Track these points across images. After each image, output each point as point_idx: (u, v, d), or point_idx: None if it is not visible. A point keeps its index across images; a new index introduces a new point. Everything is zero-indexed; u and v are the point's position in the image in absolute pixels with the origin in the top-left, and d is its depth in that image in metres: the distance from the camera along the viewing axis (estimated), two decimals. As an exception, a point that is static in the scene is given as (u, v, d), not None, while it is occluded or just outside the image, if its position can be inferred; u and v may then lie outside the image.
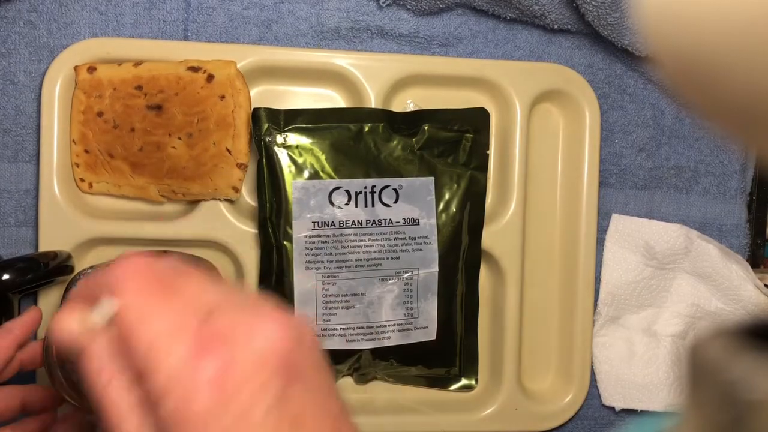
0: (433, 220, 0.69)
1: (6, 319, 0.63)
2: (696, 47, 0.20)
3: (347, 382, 0.71)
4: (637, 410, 0.75)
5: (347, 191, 0.67)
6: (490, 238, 0.71)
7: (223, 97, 0.64)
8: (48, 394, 0.58)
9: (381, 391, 0.72)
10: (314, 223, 0.66)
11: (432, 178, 0.69)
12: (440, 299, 0.70)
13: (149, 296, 0.37)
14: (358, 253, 0.67)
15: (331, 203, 0.67)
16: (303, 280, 0.67)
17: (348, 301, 0.68)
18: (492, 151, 0.72)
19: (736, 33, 0.19)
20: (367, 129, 0.68)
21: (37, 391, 0.58)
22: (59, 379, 0.56)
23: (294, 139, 0.67)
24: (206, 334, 0.36)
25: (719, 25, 0.19)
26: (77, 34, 0.67)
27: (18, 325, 0.57)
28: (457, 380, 0.73)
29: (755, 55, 0.19)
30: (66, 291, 0.60)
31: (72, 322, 0.39)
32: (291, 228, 0.66)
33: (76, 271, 0.64)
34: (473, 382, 0.73)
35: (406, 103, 0.71)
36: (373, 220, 0.67)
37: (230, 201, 0.68)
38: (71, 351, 0.39)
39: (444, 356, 0.72)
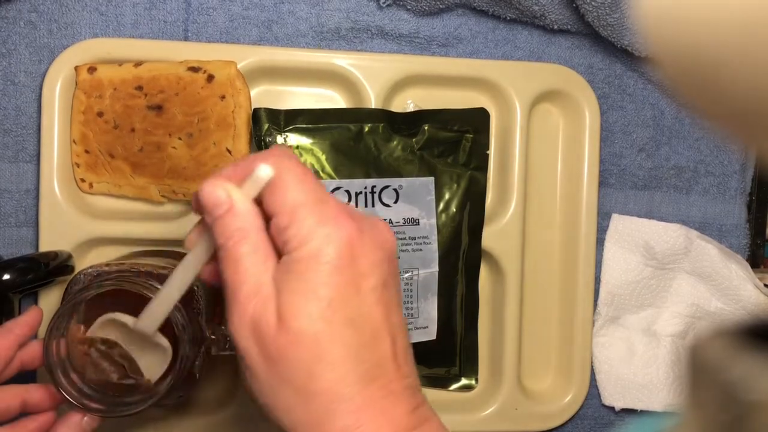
0: (433, 220, 0.69)
1: (6, 319, 0.63)
2: (695, 47, 0.20)
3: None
4: (637, 410, 0.75)
5: (347, 191, 0.67)
6: (490, 238, 0.71)
7: (223, 97, 0.65)
8: (48, 394, 0.58)
9: (381, 391, 0.72)
10: (314, 223, 0.66)
11: (432, 179, 0.69)
12: (440, 299, 0.70)
13: (302, 170, 0.46)
14: (358, 253, 0.67)
15: (332, 203, 0.67)
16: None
17: (348, 301, 0.68)
18: (492, 152, 0.72)
19: (735, 33, 0.19)
20: (367, 129, 0.68)
21: (38, 390, 0.58)
22: (59, 378, 0.56)
23: (294, 139, 0.67)
24: (342, 210, 0.45)
25: (719, 25, 0.19)
26: (78, 34, 0.67)
27: (18, 325, 0.57)
28: (457, 380, 0.73)
29: (755, 54, 0.19)
30: (66, 291, 0.60)
31: (218, 187, 0.46)
32: (291, 228, 0.66)
33: (77, 271, 0.64)
34: (473, 381, 0.73)
35: (406, 103, 0.71)
36: (373, 220, 0.67)
37: (230, 201, 0.67)
38: (213, 209, 0.46)
39: (444, 356, 0.72)
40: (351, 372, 0.44)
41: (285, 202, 0.45)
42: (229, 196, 0.46)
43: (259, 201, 0.47)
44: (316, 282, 0.44)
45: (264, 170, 0.46)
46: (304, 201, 0.45)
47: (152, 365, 0.57)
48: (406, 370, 0.47)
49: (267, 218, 0.47)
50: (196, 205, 0.49)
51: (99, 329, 0.56)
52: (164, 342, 0.56)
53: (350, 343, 0.44)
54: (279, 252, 0.46)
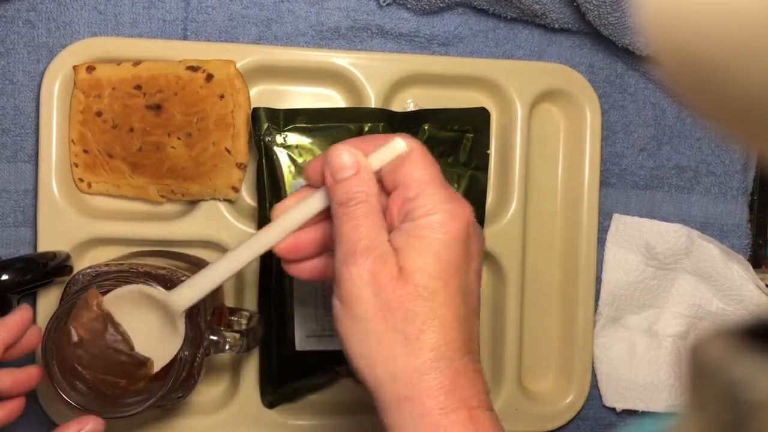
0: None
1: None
2: (696, 46, 0.20)
3: (348, 382, 0.71)
4: (638, 411, 0.75)
5: (347, 191, 0.67)
6: (490, 238, 0.71)
7: (222, 96, 0.64)
8: (15, 381, 0.57)
9: (381, 391, 0.72)
10: (314, 223, 0.66)
11: (432, 178, 0.69)
12: (440, 299, 0.70)
13: (429, 154, 0.50)
14: (358, 253, 0.67)
15: (331, 203, 0.67)
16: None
17: (348, 302, 0.67)
18: (492, 151, 0.72)
19: (737, 32, 0.19)
20: (367, 129, 0.68)
21: (6, 375, 0.57)
22: (59, 379, 0.55)
23: (294, 138, 0.67)
24: (460, 196, 0.50)
25: (720, 24, 0.19)
26: (76, 33, 0.67)
27: (4, 328, 0.56)
28: (458, 381, 0.73)
29: (756, 54, 0.19)
30: (65, 291, 0.60)
31: (346, 151, 0.49)
32: (291, 228, 0.66)
33: (75, 271, 0.64)
34: (474, 382, 0.73)
35: (407, 102, 0.71)
36: (373, 220, 0.67)
37: (230, 201, 0.67)
38: (338, 171, 0.49)
39: (444, 357, 0.72)
40: (457, 338, 0.47)
41: (414, 176, 0.49)
42: (357, 162, 0.49)
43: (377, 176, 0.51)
44: (439, 247, 0.47)
45: (400, 143, 0.50)
46: (432, 179, 0.49)
47: (159, 351, 0.56)
48: (480, 356, 0.51)
49: (386, 191, 0.51)
50: (313, 170, 0.52)
51: (112, 304, 0.56)
52: (182, 327, 0.55)
53: (459, 310, 0.48)
54: (393, 222, 0.49)
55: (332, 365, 0.69)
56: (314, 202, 0.52)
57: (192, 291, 0.54)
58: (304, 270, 0.54)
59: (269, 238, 0.52)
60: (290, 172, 0.66)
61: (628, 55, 0.74)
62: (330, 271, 0.52)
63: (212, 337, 0.59)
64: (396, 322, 0.46)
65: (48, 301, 0.66)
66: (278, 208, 0.53)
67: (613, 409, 0.75)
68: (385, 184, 0.51)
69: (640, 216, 0.75)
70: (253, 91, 0.68)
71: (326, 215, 0.52)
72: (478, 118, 0.71)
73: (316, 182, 0.52)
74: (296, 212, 0.52)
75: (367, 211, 0.48)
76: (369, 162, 0.50)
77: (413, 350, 0.46)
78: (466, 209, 0.49)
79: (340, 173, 0.49)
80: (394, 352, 0.46)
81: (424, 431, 0.45)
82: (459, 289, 0.48)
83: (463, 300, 0.48)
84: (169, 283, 0.57)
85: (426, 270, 0.47)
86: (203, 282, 0.54)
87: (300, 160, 0.66)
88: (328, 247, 0.53)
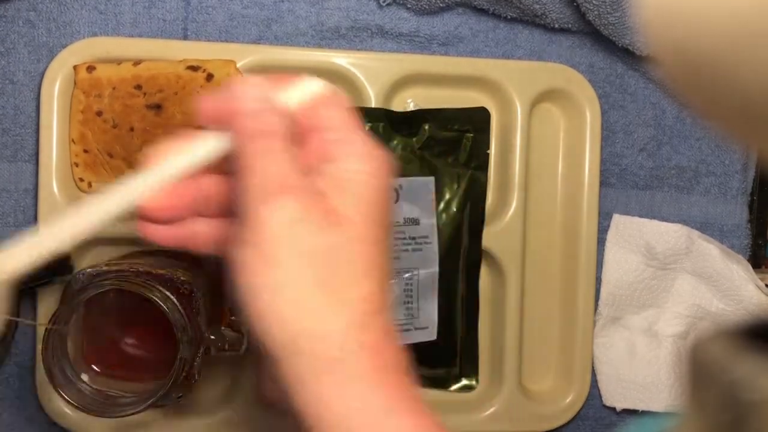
0: (434, 220, 0.69)
1: (5, 320, 0.63)
2: (697, 46, 0.20)
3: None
4: (638, 411, 0.75)
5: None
6: (490, 238, 0.71)
7: (222, 96, 0.64)
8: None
9: (381, 391, 0.72)
10: (314, 222, 0.66)
11: (432, 178, 0.69)
12: (441, 299, 0.70)
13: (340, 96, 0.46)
14: (358, 253, 0.67)
15: (331, 203, 0.66)
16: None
17: (348, 301, 0.67)
18: (492, 151, 0.72)
19: (737, 32, 0.19)
20: (367, 128, 0.68)
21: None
22: (58, 379, 0.55)
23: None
24: (375, 142, 0.44)
25: (720, 24, 0.19)
26: (76, 33, 0.67)
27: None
28: (458, 380, 0.73)
29: (756, 53, 0.19)
30: (65, 290, 0.60)
31: (253, 85, 0.43)
32: (291, 228, 0.66)
33: (76, 270, 0.64)
34: (474, 382, 0.73)
35: (407, 102, 0.71)
36: (373, 220, 0.67)
37: (230, 201, 0.67)
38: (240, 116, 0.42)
39: (444, 356, 0.72)
40: (386, 291, 0.43)
41: (337, 118, 0.44)
42: (267, 96, 0.43)
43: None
44: (374, 193, 0.43)
45: (315, 83, 0.45)
46: (357, 124, 0.44)
47: None
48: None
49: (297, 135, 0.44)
50: (212, 107, 0.44)
51: None
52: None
53: (386, 264, 0.43)
54: (308, 165, 0.43)
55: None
56: (207, 145, 0.43)
57: (18, 257, 0.44)
58: (165, 234, 0.46)
59: (137, 186, 0.43)
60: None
61: (628, 55, 0.73)
62: (202, 240, 0.46)
63: (212, 337, 0.59)
64: (324, 273, 0.41)
65: (48, 300, 0.66)
66: (158, 151, 0.44)
67: (613, 409, 0.75)
68: (296, 127, 0.44)
69: (640, 216, 0.75)
70: (254, 91, 0.68)
71: (211, 170, 0.45)
72: (478, 118, 0.71)
73: (212, 121, 0.44)
74: (180, 157, 0.43)
75: (283, 146, 0.42)
76: (281, 98, 0.44)
77: (344, 304, 0.41)
78: (389, 161, 0.44)
79: (251, 104, 0.43)
80: (318, 307, 0.40)
81: (355, 397, 0.40)
82: (386, 242, 0.43)
83: (387, 256, 0.43)
84: (169, 282, 0.57)
85: (366, 215, 0.42)
86: (36, 247, 0.44)
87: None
88: (201, 210, 0.46)
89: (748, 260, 0.76)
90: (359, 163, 0.43)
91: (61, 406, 0.65)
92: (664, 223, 0.75)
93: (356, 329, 0.41)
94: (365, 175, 0.43)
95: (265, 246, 0.40)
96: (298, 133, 0.44)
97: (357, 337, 0.40)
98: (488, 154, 0.71)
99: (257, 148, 0.42)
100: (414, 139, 0.69)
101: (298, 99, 0.44)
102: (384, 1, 0.70)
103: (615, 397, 0.75)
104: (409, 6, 0.71)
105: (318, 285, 0.41)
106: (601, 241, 0.74)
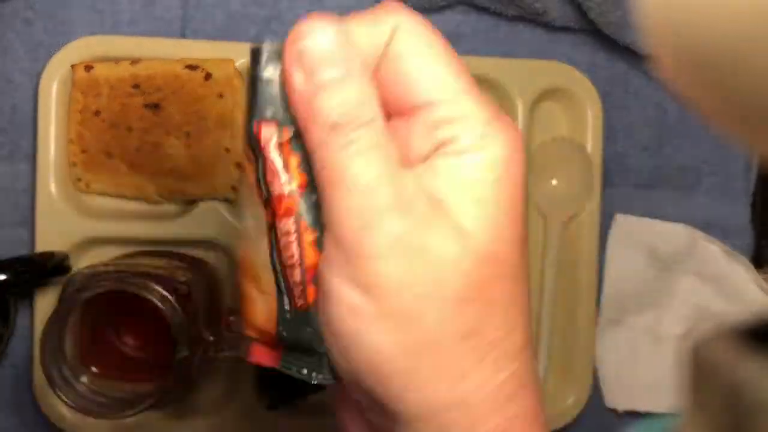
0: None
1: (2, 321, 0.63)
2: (699, 45, 0.20)
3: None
4: (640, 412, 0.75)
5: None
6: (491, 238, 0.71)
7: (221, 95, 0.64)
8: None
9: (381, 392, 0.72)
10: (314, 223, 0.66)
11: (433, 178, 0.69)
12: (441, 300, 0.69)
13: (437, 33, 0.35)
14: (358, 253, 0.67)
15: (331, 203, 0.66)
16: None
17: (348, 302, 0.67)
18: (493, 151, 0.72)
19: (742, 30, 0.18)
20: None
21: None
22: (56, 381, 0.55)
23: (293, 138, 0.66)
24: (486, 100, 0.35)
25: (724, 23, 0.19)
26: (74, 32, 0.67)
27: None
28: (459, 382, 0.73)
29: (762, 53, 0.18)
30: (63, 292, 0.60)
31: (329, 31, 0.33)
32: (290, 228, 0.66)
33: (73, 271, 0.64)
34: (475, 383, 0.73)
35: (407, 101, 0.70)
36: (373, 220, 0.67)
37: (229, 201, 0.67)
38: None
39: (445, 357, 0.72)
40: (530, 333, 0.36)
41: (432, 79, 0.33)
42: (349, 50, 0.32)
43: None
44: (503, 196, 0.32)
45: (389, 16, 0.33)
46: (460, 78, 0.34)
47: None
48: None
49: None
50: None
51: None
52: None
53: (528, 300, 0.35)
54: (406, 157, 0.33)
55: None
56: None
57: None
58: None
59: None
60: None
61: (630, 53, 0.73)
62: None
63: (211, 338, 0.59)
64: (466, 320, 0.31)
65: (46, 301, 0.66)
66: None
67: (615, 411, 0.75)
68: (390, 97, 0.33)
69: (643, 216, 0.75)
70: (253, 90, 0.68)
71: None
72: (479, 118, 0.70)
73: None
74: None
75: (379, 140, 0.31)
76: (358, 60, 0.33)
77: (490, 360, 0.32)
78: (513, 127, 0.34)
79: (325, 72, 0.32)
80: (463, 366, 0.32)
81: None
82: (526, 261, 0.34)
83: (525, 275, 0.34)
84: (168, 283, 0.57)
85: (500, 233, 0.32)
86: None
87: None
88: None
89: (751, 260, 0.76)
90: (486, 156, 0.32)
91: (59, 408, 0.65)
92: (667, 224, 0.75)
93: (510, 392, 0.33)
94: (493, 171, 0.32)
95: (382, 293, 0.31)
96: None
97: (512, 402, 0.33)
98: (489, 153, 0.71)
99: (343, 144, 0.31)
100: (414, 139, 0.69)
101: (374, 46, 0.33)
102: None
103: (617, 398, 0.75)
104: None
105: (461, 336, 0.32)
106: (603, 242, 0.74)
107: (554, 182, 0.72)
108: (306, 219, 0.34)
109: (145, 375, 0.59)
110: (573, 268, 0.73)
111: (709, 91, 0.20)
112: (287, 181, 0.34)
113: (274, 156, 0.34)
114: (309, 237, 0.34)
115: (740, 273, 0.74)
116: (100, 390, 0.56)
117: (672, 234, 0.74)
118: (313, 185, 0.34)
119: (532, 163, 0.72)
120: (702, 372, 0.22)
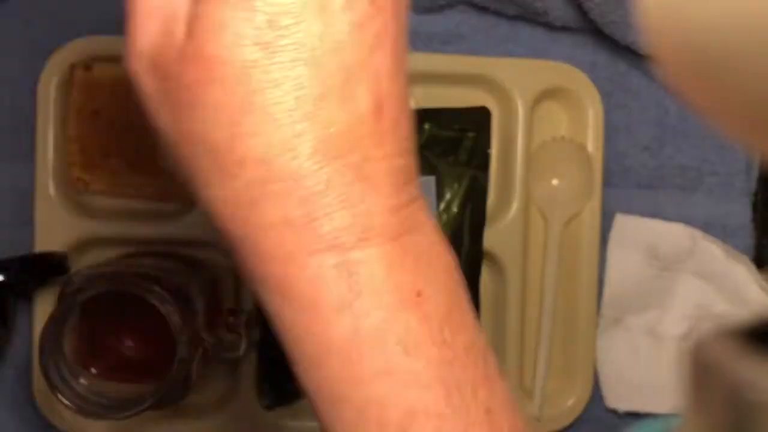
0: (434, 220, 0.69)
1: (1, 321, 0.63)
2: (700, 44, 0.20)
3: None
4: (641, 412, 0.75)
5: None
6: (491, 238, 0.71)
7: (220, 95, 0.64)
8: None
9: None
10: (313, 223, 0.66)
11: (433, 178, 0.69)
12: (441, 300, 0.69)
13: None
14: (358, 253, 0.67)
15: (331, 203, 0.66)
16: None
17: (348, 302, 0.67)
18: (493, 150, 0.72)
19: (742, 29, 0.18)
20: None
21: None
22: (56, 381, 0.55)
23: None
24: None
25: (725, 22, 0.19)
26: (73, 32, 0.67)
27: None
28: (459, 382, 0.73)
29: (764, 52, 0.18)
30: (61, 292, 0.60)
31: None
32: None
33: (72, 271, 0.64)
34: (475, 384, 0.73)
35: (407, 101, 0.70)
36: (373, 220, 0.67)
37: (228, 201, 0.67)
38: None
39: (445, 358, 0.72)
40: (302, 135, 0.30)
41: None
42: None
43: None
44: None
45: None
46: None
47: None
48: (395, 146, 0.34)
49: None
50: None
51: None
52: None
53: (303, 89, 0.30)
54: None
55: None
56: None
57: None
58: None
59: None
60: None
61: (630, 53, 0.73)
62: None
63: (210, 339, 0.59)
64: (192, 127, 0.32)
65: (45, 301, 0.66)
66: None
67: (616, 411, 0.75)
68: None
69: (643, 216, 0.75)
70: (252, 90, 0.68)
71: None
72: (479, 118, 0.70)
73: None
74: None
75: None
76: None
77: (227, 171, 0.31)
78: None
79: None
80: (206, 176, 0.32)
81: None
82: (299, 51, 0.30)
83: (311, 70, 0.31)
84: (167, 283, 0.57)
85: (228, 32, 0.30)
86: None
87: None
88: None
89: (752, 260, 0.76)
90: None
91: (58, 409, 0.64)
92: (668, 223, 0.74)
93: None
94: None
95: (138, 87, 0.33)
96: None
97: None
98: (489, 153, 0.71)
99: None
100: (414, 139, 0.69)
101: None
102: (384, 0, 0.70)
103: (618, 398, 0.75)
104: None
105: (192, 139, 0.32)
106: (603, 242, 0.74)
107: (555, 182, 0.72)
108: None
109: (145, 375, 0.59)
110: (573, 268, 0.73)
111: (710, 91, 0.20)
112: None
113: None
114: None
115: (741, 273, 0.74)
116: (99, 390, 0.56)
117: (672, 234, 0.74)
118: None
119: (533, 163, 0.72)
120: (703, 372, 0.22)
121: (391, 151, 0.33)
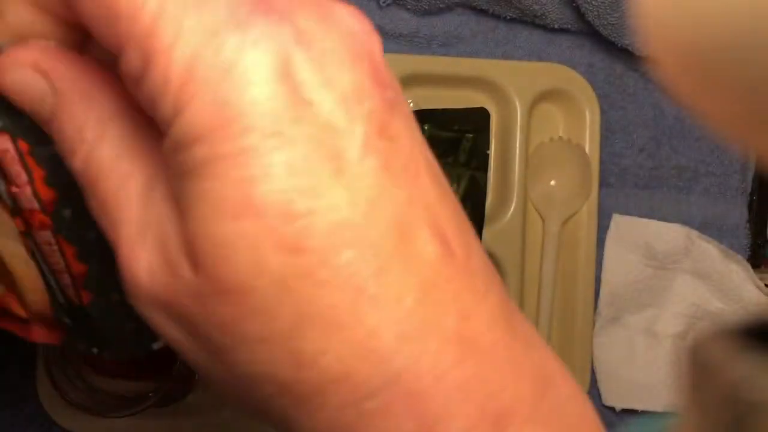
0: None
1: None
2: (699, 45, 0.20)
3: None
4: (637, 411, 0.75)
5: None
6: (490, 238, 0.71)
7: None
8: None
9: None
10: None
11: (432, 178, 0.69)
12: (440, 299, 0.70)
13: None
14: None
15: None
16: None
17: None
18: (492, 151, 0.72)
19: (740, 30, 0.19)
20: None
21: None
22: (58, 380, 0.55)
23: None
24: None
25: (722, 23, 0.19)
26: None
27: None
28: (458, 381, 0.73)
29: (761, 53, 0.18)
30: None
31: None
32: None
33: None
34: (473, 382, 0.73)
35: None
36: (373, 220, 0.67)
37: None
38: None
39: (444, 356, 0.72)
40: (378, 329, 0.24)
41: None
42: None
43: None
44: (241, 176, 0.23)
45: None
46: None
47: None
48: (472, 262, 0.27)
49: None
50: None
51: None
52: None
53: (358, 275, 0.24)
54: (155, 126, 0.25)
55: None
56: None
57: None
58: None
59: None
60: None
61: (627, 55, 0.73)
62: None
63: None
64: (234, 364, 0.25)
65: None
66: None
67: (613, 409, 0.75)
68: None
69: (640, 216, 0.75)
70: (253, 92, 0.68)
71: None
72: (478, 119, 0.70)
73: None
74: None
75: (109, 153, 0.26)
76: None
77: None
78: (269, 35, 0.24)
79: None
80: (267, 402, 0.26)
81: None
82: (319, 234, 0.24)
83: (354, 247, 0.24)
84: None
85: (228, 250, 0.23)
86: None
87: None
88: None
89: (748, 260, 0.76)
90: (204, 110, 0.24)
91: (60, 407, 0.64)
92: (664, 223, 0.75)
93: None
94: (231, 135, 0.24)
95: (159, 332, 0.26)
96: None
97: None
98: (488, 154, 0.71)
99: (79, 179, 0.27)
100: (414, 140, 0.69)
101: None
102: (384, 2, 0.70)
103: (614, 396, 0.75)
104: (409, 7, 0.70)
105: (237, 377, 0.25)
106: (600, 241, 0.74)
107: (552, 183, 0.73)
108: (64, 235, 0.31)
109: (146, 374, 0.59)
110: (571, 267, 0.73)
111: (708, 91, 0.20)
112: (33, 196, 0.31)
113: (16, 169, 0.30)
114: (70, 250, 0.32)
115: (737, 272, 0.74)
116: (101, 389, 0.57)
117: (669, 234, 0.74)
118: (65, 200, 0.31)
119: (531, 163, 0.72)
120: (699, 371, 0.22)
121: (471, 268, 0.27)
